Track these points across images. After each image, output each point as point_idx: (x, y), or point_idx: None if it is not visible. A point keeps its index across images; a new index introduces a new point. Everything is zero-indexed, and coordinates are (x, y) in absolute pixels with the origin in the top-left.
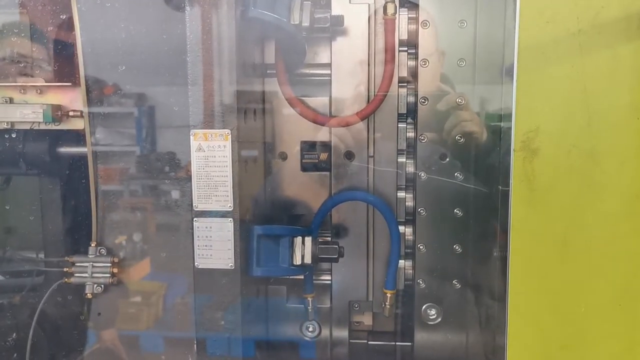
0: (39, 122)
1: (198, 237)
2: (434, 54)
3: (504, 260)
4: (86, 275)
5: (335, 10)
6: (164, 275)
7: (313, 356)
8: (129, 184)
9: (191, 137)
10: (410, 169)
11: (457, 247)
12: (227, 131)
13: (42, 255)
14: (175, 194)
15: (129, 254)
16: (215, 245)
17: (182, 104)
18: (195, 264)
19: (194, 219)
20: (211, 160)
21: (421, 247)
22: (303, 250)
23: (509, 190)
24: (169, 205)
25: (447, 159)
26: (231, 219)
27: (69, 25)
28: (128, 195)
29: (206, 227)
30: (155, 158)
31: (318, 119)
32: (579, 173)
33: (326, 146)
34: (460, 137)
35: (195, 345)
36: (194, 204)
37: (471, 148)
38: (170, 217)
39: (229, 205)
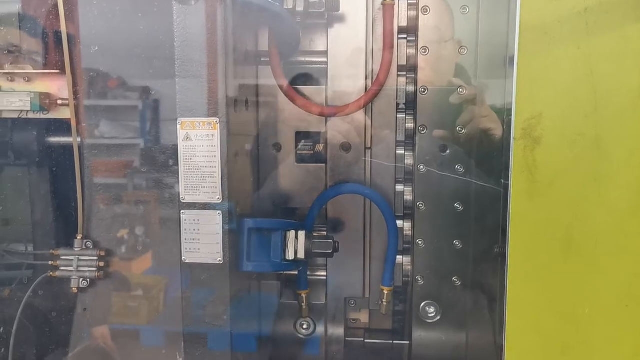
0: (27, 111)
1: (185, 230)
2: (450, 42)
3: (503, 257)
4: (71, 268)
5: None
6: (155, 270)
7: (308, 354)
8: (119, 175)
9: (178, 126)
10: (409, 161)
11: (457, 243)
12: (216, 120)
13: (31, 248)
14: (164, 186)
15: (117, 247)
16: (203, 239)
17: (167, 93)
18: (183, 258)
19: (181, 211)
20: (199, 150)
21: (420, 243)
22: (296, 244)
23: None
24: (159, 197)
25: (448, 151)
26: (219, 211)
27: (57, 11)
28: (117, 187)
29: (194, 220)
30: (146, 149)
31: (324, 111)
32: (584, 163)
33: (322, 137)
34: (462, 128)
35: (182, 342)
36: (181, 196)
37: (473, 140)
38: (161, 210)
39: (217, 197)
